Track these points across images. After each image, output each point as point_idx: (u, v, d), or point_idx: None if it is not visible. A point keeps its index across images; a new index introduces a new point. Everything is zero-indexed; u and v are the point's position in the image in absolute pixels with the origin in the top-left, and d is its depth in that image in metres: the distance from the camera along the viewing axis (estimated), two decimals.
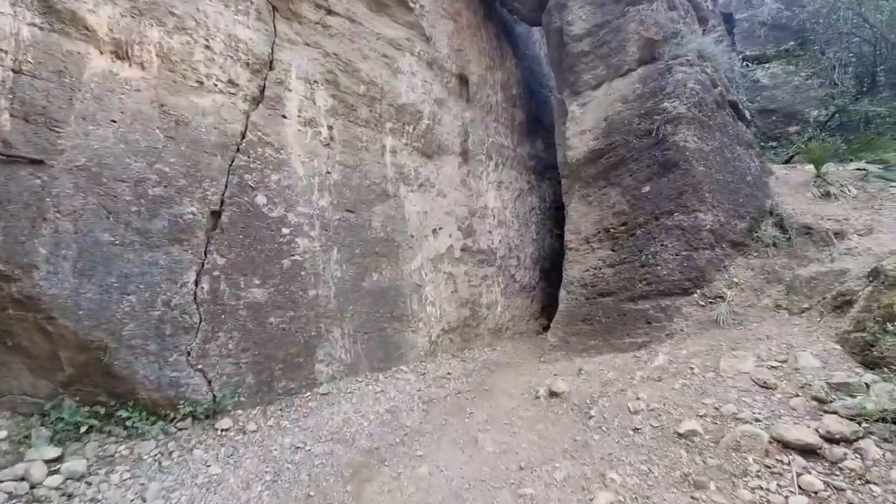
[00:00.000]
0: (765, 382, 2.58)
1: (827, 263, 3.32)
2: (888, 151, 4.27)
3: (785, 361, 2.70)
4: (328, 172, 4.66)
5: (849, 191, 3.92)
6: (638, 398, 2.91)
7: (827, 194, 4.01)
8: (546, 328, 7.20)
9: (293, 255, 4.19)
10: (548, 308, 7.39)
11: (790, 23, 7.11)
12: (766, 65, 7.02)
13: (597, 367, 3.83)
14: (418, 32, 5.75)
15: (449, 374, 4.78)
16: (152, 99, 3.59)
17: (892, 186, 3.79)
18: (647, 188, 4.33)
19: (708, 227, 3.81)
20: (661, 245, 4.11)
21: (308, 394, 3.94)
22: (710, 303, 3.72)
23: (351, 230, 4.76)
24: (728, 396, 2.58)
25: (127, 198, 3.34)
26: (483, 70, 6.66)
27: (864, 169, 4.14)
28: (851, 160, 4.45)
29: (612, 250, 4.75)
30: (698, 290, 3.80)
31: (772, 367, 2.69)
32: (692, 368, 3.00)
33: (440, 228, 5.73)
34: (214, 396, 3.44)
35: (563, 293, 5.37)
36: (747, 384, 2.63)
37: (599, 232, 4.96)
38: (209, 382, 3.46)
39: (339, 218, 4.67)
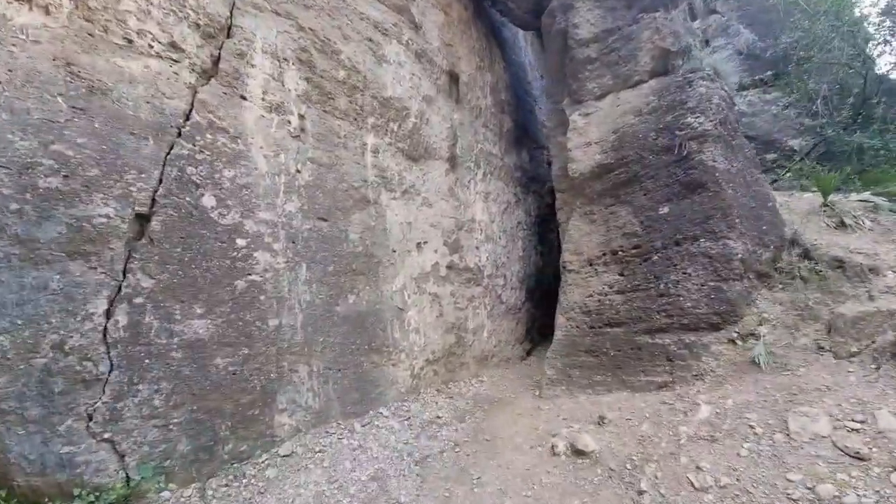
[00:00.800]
0: (857, 452, 2.17)
1: (867, 302, 3.07)
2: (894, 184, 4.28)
3: (864, 422, 2.33)
4: (298, 171, 3.79)
5: (863, 223, 3.78)
6: (699, 468, 2.39)
7: (842, 224, 3.85)
8: (529, 352, 6.68)
9: (250, 275, 3.27)
10: (532, 331, 6.90)
11: (764, 54, 7.33)
12: (744, 92, 7.16)
13: (622, 416, 3.30)
14: (407, 19, 5.05)
15: (438, 417, 4.04)
16: (56, 55, 2.59)
17: None
18: (664, 209, 3.94)
19: (739, 255, 3.47)
20: (684, 273, 3.71)
21: (265, 457, 3.01)
22: (743, 341, 3.35)
23: (324, 242, 3.90)
24: (818, 471, 2.14)
25: (4, 191, 2.31)
26: (473, 69, 6.08)
27: (869, 201, 4.05)
28: (852, 191, 4.39)
29: (621, 275, 4.31)
30: (728, 326, 3.42)
31: (852, 429, 2.30)
32: (752, 427, 2.56)
33: (425, 243, 5.01)
34: (128, 477, 2.45)
35: (560, 319, 4.85)
36: (833, 453, 2.21)
37: (605, 254, 4.51)
38: (121, 458, 2.46)
39: (311, 227, 3.80)
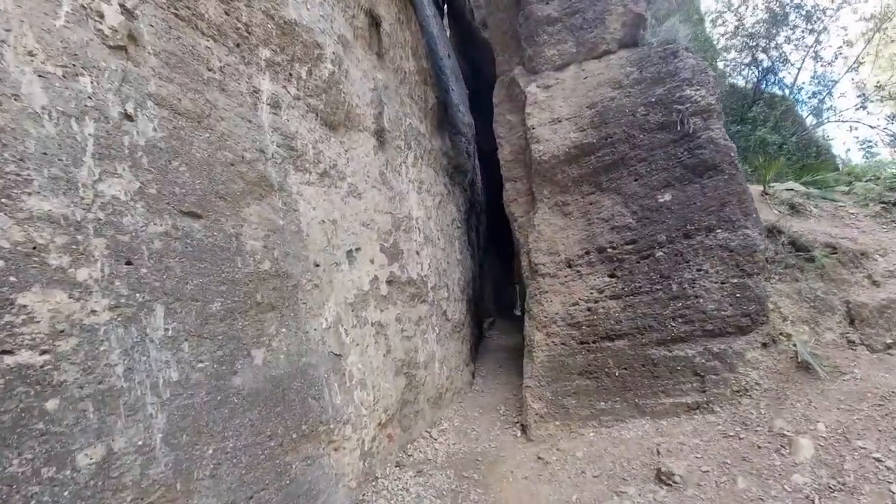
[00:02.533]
0: None
1: (873, 288, 2.99)
2: (819, 174, 4.73)
3: None
4: (129, 116, 1.86)
5: (809, 209, 3.92)
6: None
7: (794, 210, 3.93)
8: (474, 375, 5.62)
9: (11, 353, 1.28)
10: (474, 349, 5.84)
11: None
12: None
13: (693, 466, 2.48)
14: None
15: None
16: None
17: (840, 206, 3.95)
18: (665, 197, 3.37)
19: (761, 246, 3.08)
20: (699, 271, 3.17)
21: None
22: (774, 343, 2.96)
23: (199, 259, 2.04)
24: None
25: None
26: (394, 20, 4.65)
27: (794, 189, 4.30)
28: (776, 181, 4.69)
29: (613, 276, 3.60)
30: (759, 328, 2.99)
31: None
32: (880, 462, 2.02)
33: (357, 249, 3.41)
34: None
35: (537, 336, 3.91)
36: None
37: (589, 253, 3.75)
38: None
39: (167, 231, 1.92)
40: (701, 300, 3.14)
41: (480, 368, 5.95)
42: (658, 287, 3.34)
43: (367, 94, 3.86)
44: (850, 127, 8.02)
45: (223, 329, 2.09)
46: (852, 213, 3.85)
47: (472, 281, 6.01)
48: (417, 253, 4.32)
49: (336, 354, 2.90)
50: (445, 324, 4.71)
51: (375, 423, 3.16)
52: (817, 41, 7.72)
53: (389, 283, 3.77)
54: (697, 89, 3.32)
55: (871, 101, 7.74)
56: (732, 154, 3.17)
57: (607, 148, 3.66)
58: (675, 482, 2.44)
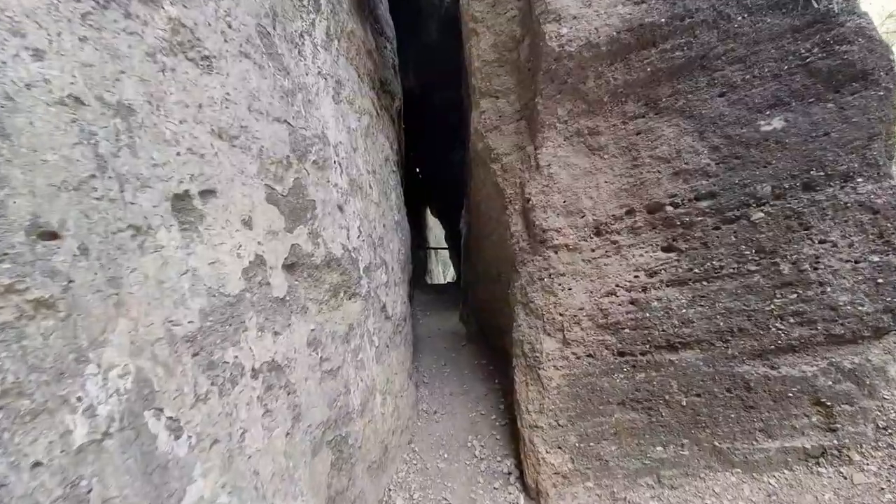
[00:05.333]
0: None
1: None
2: None
3: None
4: None
5: None
6: None
7: None
8: (418, 386, 3.99)
9: None
10: (418, 351, 4.15)
11: None
12: None
13: None
14: None
15: None
16: None
17: None
18: (774, 123, 2.07)
19: None
20: (824, 242, 2.01)
21: None
22: None
23: None
24: None
25: None
26: None
27: None
28: None
29: (672, 249, 2.27)
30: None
31: None
32: None
33: (207, 193, 1.38)
34: None
35: (547, 344, 2.44)
36: None
37: (634, 212, 2.33)
38: None
39: None
40: (828, 289, 2.01)
41: (421, 370, 4.35)
42: (754, 268, 2.11)
43: None
44: None
45: None
46: None
47: (410, 252, 4.22)
48: (340, 209, 2.35)
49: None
50: (385, 324, 2.90)
51: None
52: None
53: (291, 268, 1.80)
54: None
55: None
56: (891, 58, 1.99)
57: (682, 36, 2.18)
58: None
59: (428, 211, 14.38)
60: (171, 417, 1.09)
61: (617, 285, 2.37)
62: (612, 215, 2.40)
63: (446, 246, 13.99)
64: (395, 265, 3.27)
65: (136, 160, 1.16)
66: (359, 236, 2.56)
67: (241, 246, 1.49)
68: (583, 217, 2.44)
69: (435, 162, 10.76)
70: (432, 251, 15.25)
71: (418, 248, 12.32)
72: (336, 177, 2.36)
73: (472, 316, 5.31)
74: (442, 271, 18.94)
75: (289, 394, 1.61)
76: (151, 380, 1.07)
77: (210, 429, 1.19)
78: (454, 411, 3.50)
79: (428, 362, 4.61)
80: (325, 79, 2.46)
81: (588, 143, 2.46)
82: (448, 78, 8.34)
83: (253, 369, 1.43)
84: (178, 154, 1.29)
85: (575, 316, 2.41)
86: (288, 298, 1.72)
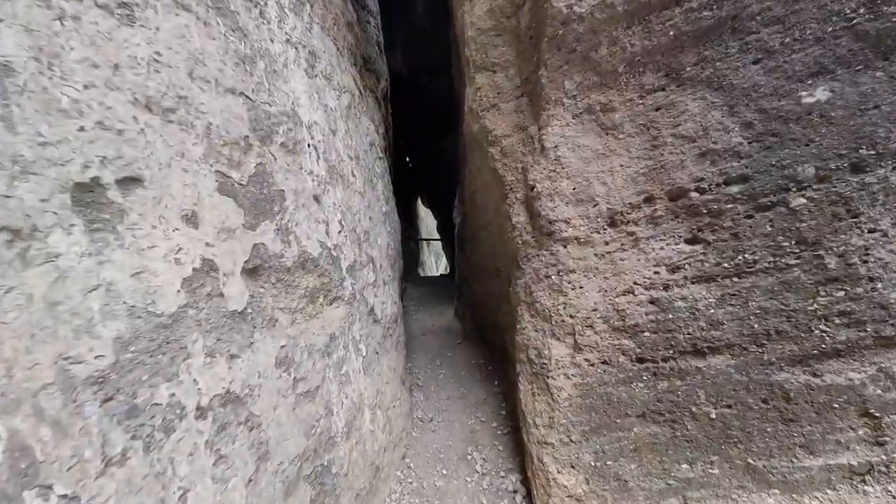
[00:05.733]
0: None
1: None
2: None
3: None
4: None
5: None
6: None
7: None
8: (412, 391, 3.71)
9: None
10: (411, 351, 3.87)
11: None
12: None
13: None
14: None
15: None
16: None
17: None
18: (818, 94, 1.79)
19: None
20: (875, 232, 1.75)
21: None
22: None
23: None
24: None
25: None
26: None
27: None
28: None
29: (697, 241, 2.00)
30: None
31: None
32: None
33: (128, 181, 1.05)
34: None
35: (556, 350, 2.17)
36: None
37: (653, 199, 2.05)
38: None
39: None
40: (878, 285, 1.75)
41: (415, 373, 4.08)
42: (794, 262, 1.84)
43: None
44: None
45: None
46: None
47: (400, 246, 3.90)
48: (317, 200, 2.02)
49: None
50: (374, 329, 2.60)
51: None
52: None
53: (253, 272, 1.48)
54: None
55: None
56: None
57: None
58: None
59: (419, 201, 14.02)
60: (64, 496, 0.78)
61: (635, 283, 2.09)
62: (629, 203, 2.11)
63: (439, 237, 13.69)
64: (383, 262, 2.96)
65: (11, 137, 0.83)
66: (340, 231, 2.23)
67: (180, 249, 1.16)
68: (595, 206, 2.15)
69: (425, 149, 10.38)
70: (424, 242, 14.93)
71: (409, 240, 12.00)
72: (311, 163, 2.03)
73: (467, 312, 5.03)
74: (435, 262, 18.66)
75: (251, 429, 1.31)
76: (32, 447, 0.76)
77: (130, 501, 0.89)
78: (452, 418, 3.24)
79: (422, 363, 4.34)
80: (296, 48, 2.11)
81: (600, 120, 2.15)
82: (438, 61, 7.94)
83: (199, 407, 1.12)
84: (81, 129, 0.96)
85: (587, 318, 2.14)
86: (250, 311, 1.41)
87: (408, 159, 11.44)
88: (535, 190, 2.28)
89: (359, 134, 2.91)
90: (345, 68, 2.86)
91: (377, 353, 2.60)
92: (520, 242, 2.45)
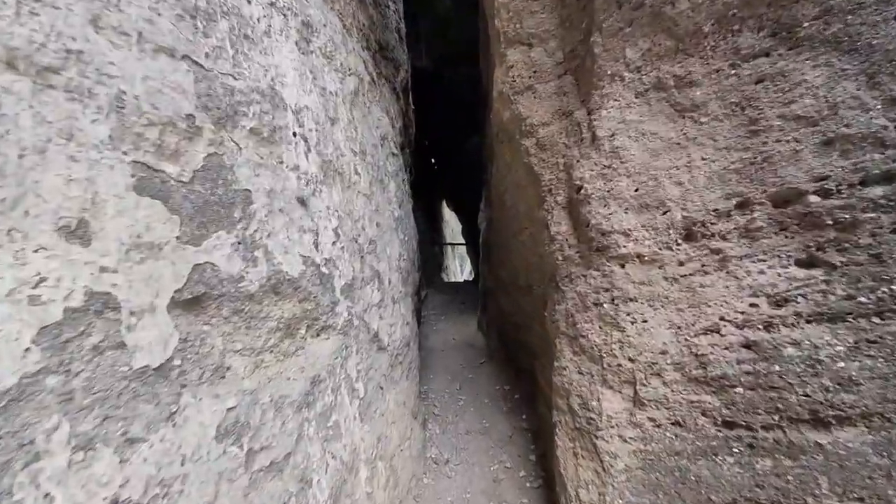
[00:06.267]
0: None
1: None
2: None
3: None
4: None
5: None
6: None
7: None
8: (424, 424, 3.26)
9: None
10: (428, 369, 3.42)
11: None
12: None
13: None
14: None
15: None
16: None
17: None
18: None
19: None
20: None
21: None
22: None
23: None
24: None
25: None
26: None
27: None
28: None
29: (815, 264, 1.44)
30: None
31: None
32: None
33: None
34: None
35: (608, 403, 1.65)
36: None
37: (749, 204, 1.50)
38: None
39: None
40: None
41: (431, 397, 3.61)
42: None
43: None
44: None
45: None
46: None
47: (418, 256, 3.44)
48: (303, 203, 1.59)
49: None
50: (379, 359, 2.15)
51: None
52: None
53: (190, 305, 1.05)
54: None
55: None
56: None
57: None
58: None
59: (444, 203, 13.60)
60: None
61: (722, 318, 1.54)
62: (714, 210, 1.56)
63: (463, 242, 13.22)
64: (392, 276, 2.50)
65: None
66: (335, 242, 1.80)
67: (42, 281, 0.75)
68: (666, 212, 1.61)
69: (450, 149, 9.94)
70: (448, 245, 14.49)
71: (433, 244, 11.59)
72: (297, 156, 1.60)
73: (492, 327, 4.52)
74: (459, 266, 18.20)
75: None
76: None
77: None
78: (471, 460, 2.75)
79: (440, 385, 3.87)
80: (284, 15, 1.69)
81: (675, 99, 1.61)
82: (464, 55, 7.48)
83: None
84: None
85: (653, 363, 1.60)
86: (176, 364, 0.98)
87: (433, 160, 11.04)
88: (582, 191, 1.77)
89: (367, 126, 2.47)
90: (352, 48, 2.44)
91: (381, 388, 2.15)
92: (560, 258, 1.94)
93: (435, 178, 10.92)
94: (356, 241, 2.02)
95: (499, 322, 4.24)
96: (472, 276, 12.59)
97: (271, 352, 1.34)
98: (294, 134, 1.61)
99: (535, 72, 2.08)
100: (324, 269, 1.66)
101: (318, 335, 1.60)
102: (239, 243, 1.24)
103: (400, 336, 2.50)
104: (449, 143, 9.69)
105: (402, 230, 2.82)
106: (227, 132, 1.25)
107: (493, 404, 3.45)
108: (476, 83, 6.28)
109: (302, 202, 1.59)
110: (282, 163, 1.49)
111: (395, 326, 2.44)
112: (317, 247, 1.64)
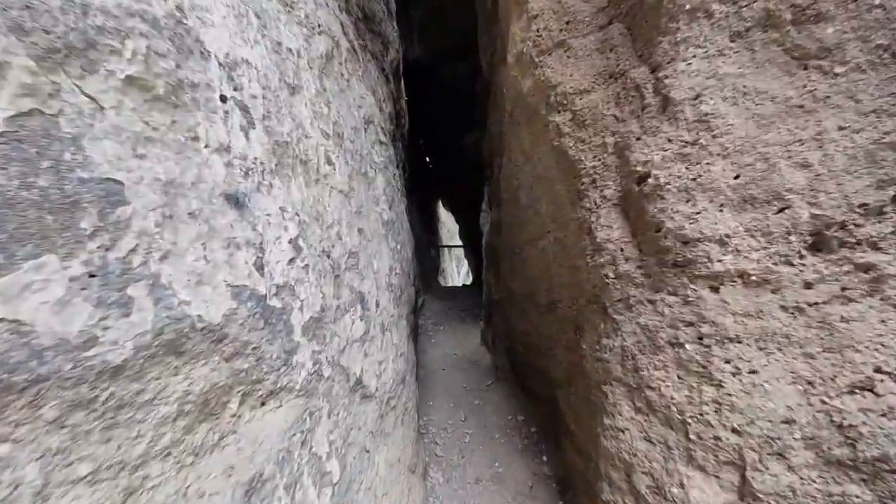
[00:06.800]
0: None
1: None
2: None
3: None
4: None
5: None
6: None
7: None
8: (424, 474, 2.70)
9: None
10: (427, 394, 2.88)
11: None
12: None
13: None
14: None
15: None
16: None
17: None
18: None
19: None
20: None
21: None
22: None
23: None
24: None
25: None
26: None
27: None
28: None
29: None
30: None
31: None
32: None
33: None
34: None
35: (700, 487, 1.11)
36: None
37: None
38: None
39: None
40: None
41: (432, 432, 3.06)
42: None
43: None
44: None
45: None
46: None
47: (414, 265, 2.88)
48: (235, 203, 1.04)
49: None
50: (363, 412, 1.59)
51: None
52: None
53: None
54: None
55: None
56: None
57: None
58: None
59: (440, 204, 13.05)
60: None
61: (878, 370, 1.00)
62: (860, 205, 1.02)
63: (461, 244, 12.67)
64: (381, 297, 1.94)
65: None
66: (293, 259, 1.24)
67: None
68: (784, 210, 1.08)
69: (445, 147, 9.40)
70: (445, 247, 13.93)
71: (429, 247, 11.03)
72: (226, 132, 1.05)
73: (499, 344, 3.98)
74: (456, 268, 17.65)
75: None
76: None
77: None
78: None
79: (442, 416, 3.31)
80: None
81: (793, 41, 1.08)
82: (461, 46, 6.95)
83: None
84: None
85: (772, 437, 1.06)
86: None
87: (427, 159, 10.50)
88: (648, 181, 1.23)
89: (345, 102, 1.92)
90: (324, 3, 1.88)
91: (367, 451, 1.59)
92: (611, 275, 1.40)
93: (430, 176, 10.37)
94: (328, 256, 1.46)
95: (508, 339, 3.69)
96: (471, 277, 12.05)
97: (166, 457, 0.78)
98: (223, 98, 1.05)
99: (567, 22, 1.54)
100: (272, 303, 1.10)
101: (261, 405, 1.04)
102: (90, 276, 0.68)
103: (392, 374, 1.94)
104: (444, 140, 9.15)
105: (392, 237, 2.26)
106: (69, 77, 0.70)
107: (506, 441, 2.91)
108: (473, 77, 5.76)
109: (234, 202, 1.03)
110: (196, 139, 0.94)
111: (386, 363, 1.88)
112: (260, 269, 1.08)
